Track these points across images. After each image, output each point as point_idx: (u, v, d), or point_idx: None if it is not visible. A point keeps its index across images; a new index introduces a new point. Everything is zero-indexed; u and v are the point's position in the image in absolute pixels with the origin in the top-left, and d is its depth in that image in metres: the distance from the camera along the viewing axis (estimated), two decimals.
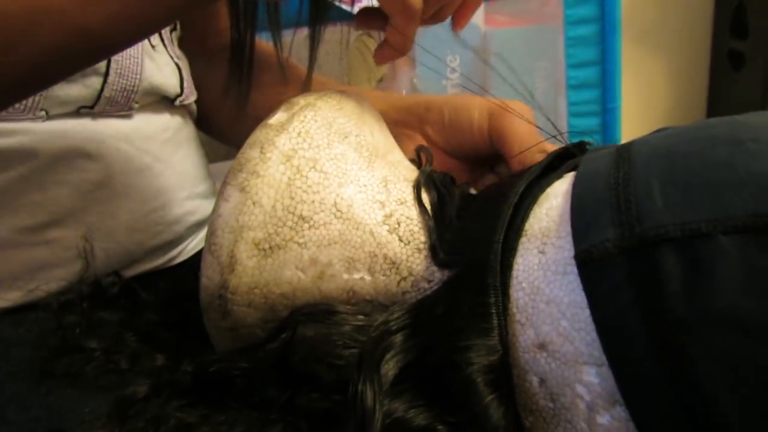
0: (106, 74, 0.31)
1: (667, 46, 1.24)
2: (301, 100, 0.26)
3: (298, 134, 0.24)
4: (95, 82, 0.31)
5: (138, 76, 0.32)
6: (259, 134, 0.24)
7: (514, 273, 0.20)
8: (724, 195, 0.16)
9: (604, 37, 0.98)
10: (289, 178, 0.23)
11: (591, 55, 1.00)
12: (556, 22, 1.03)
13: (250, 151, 0.24)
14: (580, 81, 1.02)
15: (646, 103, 1.23)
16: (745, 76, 1.17)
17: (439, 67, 1.13)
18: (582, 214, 0.19)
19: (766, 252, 0.15)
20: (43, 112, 0.29)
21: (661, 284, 0.16)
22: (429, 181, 0.25)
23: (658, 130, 0.22)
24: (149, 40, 0.34)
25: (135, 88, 0.32)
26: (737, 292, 0.15)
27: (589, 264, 0.18)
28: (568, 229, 0.19)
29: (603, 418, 0.17)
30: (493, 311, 0.19)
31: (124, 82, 0.32)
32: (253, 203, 0.23)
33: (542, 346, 0.19)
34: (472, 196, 0.26)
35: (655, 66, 1.24)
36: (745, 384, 0.15)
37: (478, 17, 1.09)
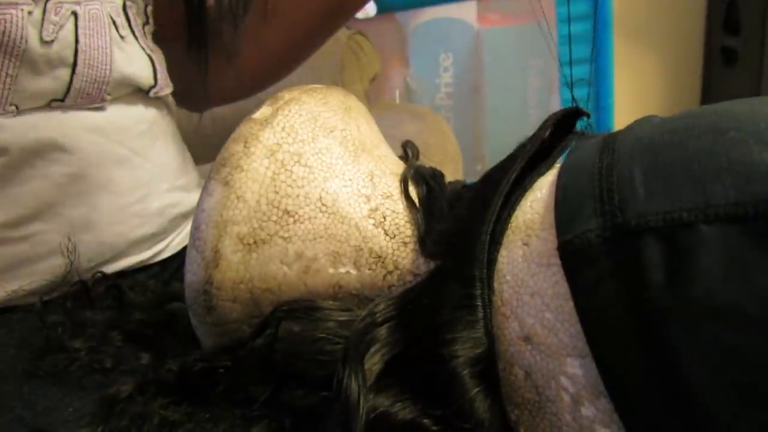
0: (74, 65, 0.30)
1: (659, 42, 1.24)
2: (286, 95, 0.26)
3: (283, 128, 0.24)
4: (63, 73, 0.30)
5: (108, 67, 0.32)
6: (243, 129, 0.24)
7: (499, 265, 0.20)
8: (706, 184, 0.16)
9: (597, 35, 0.98)
10: (274, 173, 0.23)
11: (584, 53, 1.00)
12: (549, 19, 1.03)
13: (233, 146, 0.24)
14: (573, 78, 1.02)
15: (640, 100, 1.23)
16: (738, 72, 1.18)
17: (432, 66, 1.13)
18: (566, 205, 0.19)
19: (746, 240, 0.15)
20: (13, 107, 0.29)
21: (644, 274, 0.16)
22: (417, 174, 0.25)
23: (645, 118, 0.21)
24: (118, 31, 0.33)
25: (105, 79, 0.32)
26: (718, 280, 0.15)
27: (572, 255, 0.17)
28: (552, 220, 0.19)
29: (588, 410, 0.17)
30: (479, 303, 0.19)
31: (94, 73, 0.31)
32: (237, 198, 0.23)
33: (527, 339, 0.18)
34: (467, 188, 0.26)
35: (648, 63, 1.24)
36: (727, 372, 0.15)
37: (471, 15, 1.10)
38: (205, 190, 0.23)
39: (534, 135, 0.23)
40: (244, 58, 0.43)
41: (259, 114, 0.25)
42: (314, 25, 0.44)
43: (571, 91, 0.27)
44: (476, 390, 0.18)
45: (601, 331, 0.17)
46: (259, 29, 0.43)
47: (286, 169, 0.23)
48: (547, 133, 0.23)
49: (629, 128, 0.21)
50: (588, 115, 0.25)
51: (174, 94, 0.39)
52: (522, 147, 0.23)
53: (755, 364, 0.15)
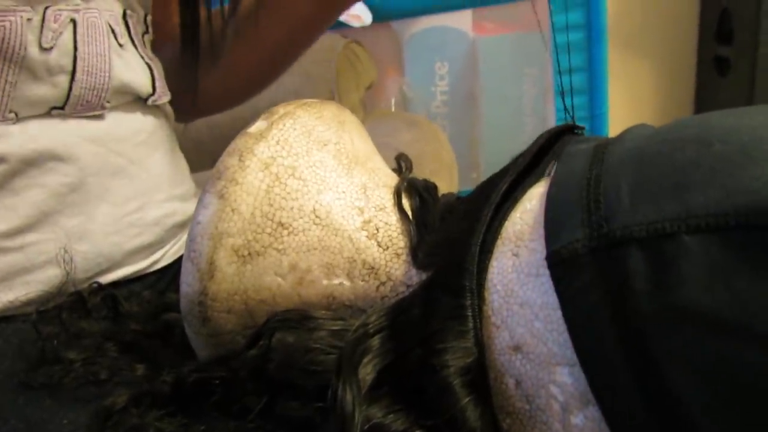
0: (73, 72, 0.31)
1: (653, 52, 1.25)
2: (281, 109, 0.26)
3: (277, 142, 0.24)
4: (63, 80, 0.30)
5: (107, 74, 0.32)
6: (238, 142, 0.25)
7: (489, 276, 0.20)
8: (689, 195, 0.16)
9: (591, 44, 0.99)
10: (268, 186, 0.23)
11: (578, 62, 1.01)
12: (544, 28, 1.04)
13: (229, 159, 0.24)
14: (567, 87, 1.02)
15: (633, 108, 1.24)
16: (731, 82, 1.19)
17: (428, 74, 1.14)
18: (554, 216, 0.19)
19: (728, 250, 0.15)
20: (12, 114, 0.29)
21: (628, 283, 0.16)
22: (410, 187, 0.25)
23: (638, 126, 0.22)
24: (117, 39, 0.34)
25: (105, 86, 0.32)
26: (700, 289, 0.15)
27: (560, 265, 0.18)
28: (541, 231, 0.19)
29: (577, 419, 0.17)
30: (469, 314, 0.19)
31: (93, 80, 0.32)
32: (232, 210, 0.23)
33: (517, 348, 0.19)
34: (459, 200, 0.26)
35: (642, 72, 1.25)
36: (710, 378, 0.15)
37: (467, 24, 1.11)
38: (200, 203, 0.24)
39: (526, 150, 0.23)
40: (215, 77, 0.44)
41: (254, 128, 0.25)
42: (279, 47, 0.45)
43: (564, 100, 0.28)
44: (467, 399, 0.18)
45: (587, 340, 0.17)
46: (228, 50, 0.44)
47: (281, 182, 0.23)
48: (538, 148, 0.23)
49: (620, 138, 0.21)
50: (583, 130, 0.25)
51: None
52: (514, 161, 0.23)
53: (738, 370, 0.15)
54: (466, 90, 1.13)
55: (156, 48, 0.39)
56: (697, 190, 0.16)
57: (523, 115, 1.11)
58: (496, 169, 0.25)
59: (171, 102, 0.39)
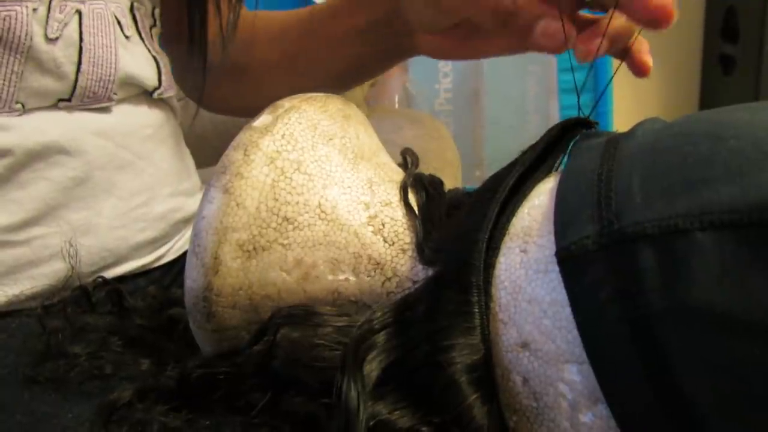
0: (79, 63, 0.31)
1: (658, 49, 1.25)
2: (286, 103, 0.26)
3: (282, 136, 0.24)
4: (69, 71, 0.30)
5: (113, 66, 0.32)
6: (243, 136, 0.24)
7: (497, 272, 0.20)
8: (702, 191, 0.16)
9: None
10: (273, 180, 0.23)
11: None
12: None
13: (234, 153, 0.24)
14: (571, 85, 1.02)
15: (638, 106, 1.24)
16: (736, 80, 1.19)
17: (432, 71, 1.13)
18: (564, 212, 0.19)
19: (742, 247, 0.15)
20: (19, 105, 0.29)
21: (639, 280, 0.16)
22: (417, 182, 0.25)
23: (649, 121, 0.21)
24: (123, 31, 0.34)
25: (112, 77, 0.32)
26: (713, 286, 0.15)
27: (569, 261, 0.18)
28: (551, 227, 0.19)
29: (586, 417, 0.17)
30: (476, 310, 0.19)
31: (100, 71, 0.31)
32: (237, 205, 0.23)
33: (525, 345, 0.19)
34: (467, 195, 0.26)
35: None
36: (721, 377, 0.15)
37: None
38: (205, 198, 0.24)
39: (534, 144, 0.23)
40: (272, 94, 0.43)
41: (259, 122, 0.25)
42: (340, 77, 0.42)
43: (578, 97, 0.27)
44: (474, 396, 0.18)
45: (597, 338, 0.17)
46: (288, 79, 0.42)
47: (286, 177, 0.23)
48: (547, 142, 0.23)
49: (632, 132, 0.21)
50: (595, 125, 0.25)
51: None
52: (521, 156, 0.23)
53: (749, 369, 0.15)
54: (469, 87, 1.12)
55: (167, 42, 0.39)
56: (711, 186, 0.16)
57: (526, 112, 1.10)
58: (500, 166, 0.24)
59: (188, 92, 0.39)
